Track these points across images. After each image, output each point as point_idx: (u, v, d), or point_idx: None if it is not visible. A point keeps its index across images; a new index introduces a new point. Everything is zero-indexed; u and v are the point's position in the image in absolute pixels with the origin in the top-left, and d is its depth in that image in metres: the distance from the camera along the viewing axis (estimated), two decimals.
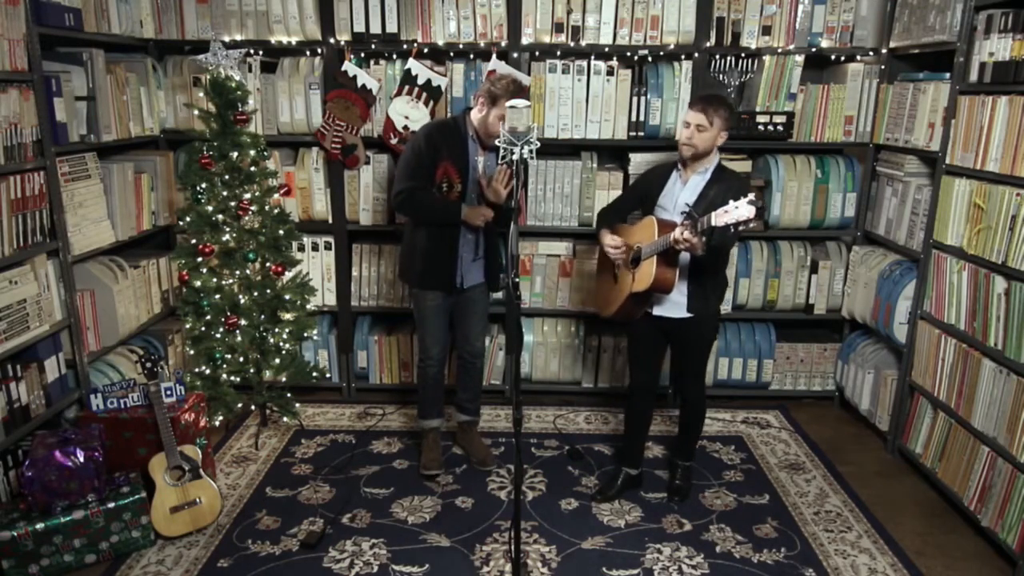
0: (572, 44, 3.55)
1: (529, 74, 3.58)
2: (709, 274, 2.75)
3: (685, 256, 2.66)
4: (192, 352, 3.40)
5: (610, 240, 2.88)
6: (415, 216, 3.06)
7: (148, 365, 2.78)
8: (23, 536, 2.49)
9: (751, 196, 2.32)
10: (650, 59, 3.68)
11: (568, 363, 3.97)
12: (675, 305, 2.80)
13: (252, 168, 3.32)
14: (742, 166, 3.68)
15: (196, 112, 3.29)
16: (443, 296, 3.10)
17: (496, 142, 2.33)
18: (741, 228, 2.34)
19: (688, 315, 2.79)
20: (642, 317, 2.87)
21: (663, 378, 3.50)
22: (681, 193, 2.77)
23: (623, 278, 2.87)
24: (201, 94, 3.31)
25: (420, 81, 3.55)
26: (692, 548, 2.74)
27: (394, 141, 3.61)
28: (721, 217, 2.36)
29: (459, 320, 3.22)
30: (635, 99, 3.60)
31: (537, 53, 3.68)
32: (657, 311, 2.83)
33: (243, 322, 3.35)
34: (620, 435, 3.12)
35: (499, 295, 3.76)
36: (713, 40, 3.54)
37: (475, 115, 2.95)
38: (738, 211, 2.31)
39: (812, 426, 3.73)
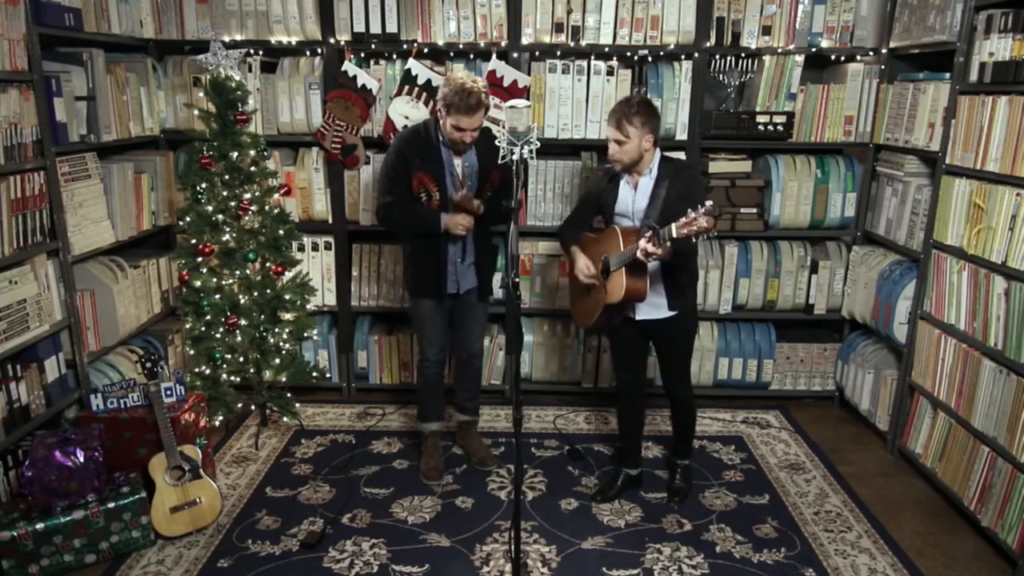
0: (572, 44, 3.55)
1: (529, 74, 3.58)
2: (680, 270, 2.77)
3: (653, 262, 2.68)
4: (192, 352, 3.40)
5: (583, 267, 2.83)
6: (398, 230, 3.07)
7: (148, 365, 2.78)
8: (23, 536, 2.49)
9: (708, 204, 2.36)
10: (650, 59, 3.68)
11: (568, 363, 3.97)
12: (656, 307, 2.81)
13: (252, 168, 3.32)
14: (742, 166, 3.69)
15: (196, 112, 3.29)
16: (437, 302, 3.08)
17: (498, 142, 2.30)
18: (703, 238, 2.40)
19: (671, 313, 2.81)
20: (624, 321, 2.88)
21: (656, 378, 3.50)
22: (635, 198, 2.77)
23: (596, 290, 2.88)
24: (201, 94, 3.30)
25: (420, 81, 3.54)
26: (692, 548, 2.74)
27: None
28: (682, 229, 2.41)
29: (458, 323, 3.21)
30: None
31: (537, 53, 3.68)
32: (639, 315, 2.84)
33: (243, 322, 3.35)
34: (619, 435, 3.13)
35: (499, 295, 3.76)
36: (713, 40, 3.53)
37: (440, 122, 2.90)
38: (698, 222, 2.37)
39: (812, 426, 3.73)
